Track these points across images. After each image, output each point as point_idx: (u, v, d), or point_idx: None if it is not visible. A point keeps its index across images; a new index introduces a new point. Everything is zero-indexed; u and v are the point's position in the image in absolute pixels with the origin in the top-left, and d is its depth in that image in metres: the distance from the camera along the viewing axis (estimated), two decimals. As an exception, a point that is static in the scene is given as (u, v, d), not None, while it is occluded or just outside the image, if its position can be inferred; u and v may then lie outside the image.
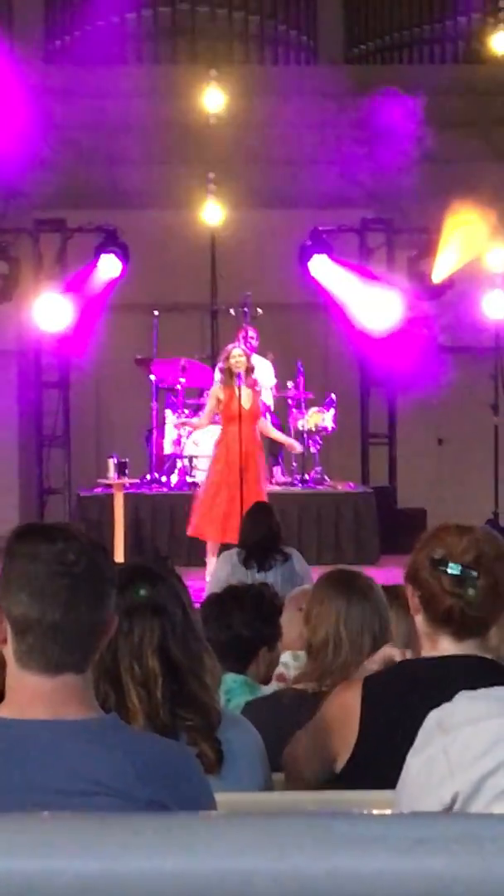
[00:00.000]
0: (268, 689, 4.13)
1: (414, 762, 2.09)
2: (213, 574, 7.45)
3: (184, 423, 12.39)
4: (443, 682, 2.61)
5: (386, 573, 8.35)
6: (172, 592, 2.88)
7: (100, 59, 15.16)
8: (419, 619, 2.88)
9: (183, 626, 2.84)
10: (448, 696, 2.11)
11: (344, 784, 2.97)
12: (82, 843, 1.35)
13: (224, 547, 8.92)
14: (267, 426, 11.55)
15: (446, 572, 2.78)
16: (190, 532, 10.95)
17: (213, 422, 11.37)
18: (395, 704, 2.86)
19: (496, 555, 2.80)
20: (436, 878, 1.31)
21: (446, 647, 2.84)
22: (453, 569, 2.77)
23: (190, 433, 12.59)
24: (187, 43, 15.68)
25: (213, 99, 14.56)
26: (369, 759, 2.89)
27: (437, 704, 2.11)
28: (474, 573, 2.77)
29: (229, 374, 10.64)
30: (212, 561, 9.92)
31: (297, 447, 12.13)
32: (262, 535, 7.45)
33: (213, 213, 14.33)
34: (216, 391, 10.82)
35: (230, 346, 10.94)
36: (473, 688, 2.10)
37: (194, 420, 12.00)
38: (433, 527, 2.92)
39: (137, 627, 2.80)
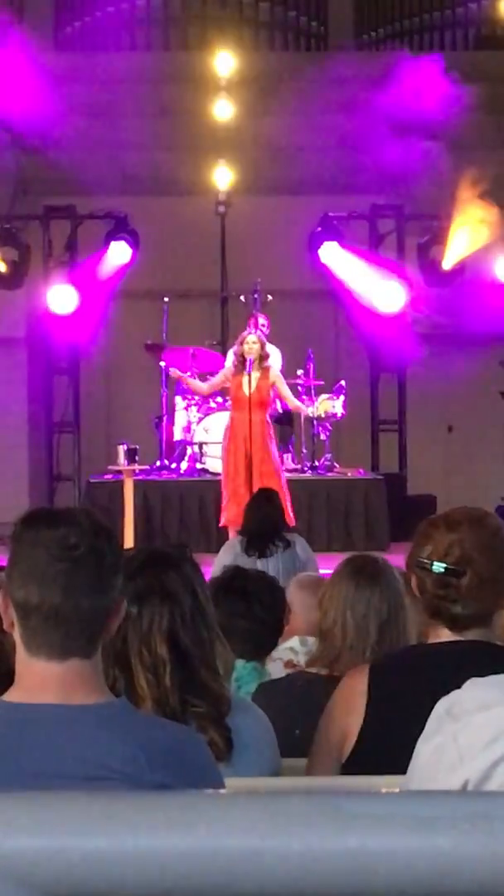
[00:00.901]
0: (277, 675, 4.13)
1: (424, 749, 2.09)
2: (216, 562, 7.44)
3: (180, 377, 11.97)
4: (448, 667, 2.62)
5: (396, 560, 8.30)
6: (184, 579, 2.87)
7: (110, 45, 15.14)
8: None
9: (193, 614, 2.83)
10: (453, 682, 2.11)
11: (347, 771, 2.97)
12: (90, 822, 1.35)
13: None
14: (287, 394, 11.24)
15: (431, 571, 2.79)
16: (221, 523, 10.84)
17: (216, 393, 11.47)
18: (400, 689, 2.87)
19: (482, 550, 2.80)
20: (445, 857, 1.31)
21: (445, 635, 2.87)
22: (436, 568, 2.79)
23: (191, 404, 12.60)
24: (197, 29, 15.63)
25: (223, 85, 14.52)
26: (372, 743, 2.90)
27: (442, 690, 2.11)
28: (458, 572, 2.77)
29: (241, 360, 10.63)
30: None
31: (304, 410, 12.18)
32: (261, 522, 7.44)
33: (223, 199, 14.29)
34: (229, 371, 10.85)
35: (246, 333, 10.92)
36: (479, 674, 2.09)
37: (196, 383, 11.86)
38: (428, 518, 2.94)
39: (146, 613, 2.80)
